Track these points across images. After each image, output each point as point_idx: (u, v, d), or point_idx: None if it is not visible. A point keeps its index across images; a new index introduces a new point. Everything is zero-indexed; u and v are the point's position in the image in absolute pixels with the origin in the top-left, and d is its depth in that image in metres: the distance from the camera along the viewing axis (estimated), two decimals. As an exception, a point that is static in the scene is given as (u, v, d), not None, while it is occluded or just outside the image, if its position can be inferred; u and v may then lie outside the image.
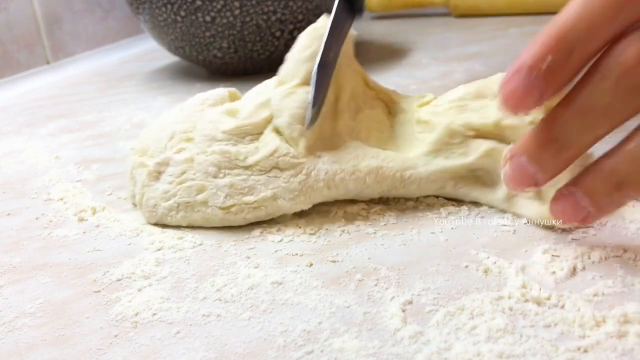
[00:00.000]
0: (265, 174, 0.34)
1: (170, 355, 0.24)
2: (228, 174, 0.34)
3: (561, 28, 0.24)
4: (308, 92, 0.34)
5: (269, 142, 0.34)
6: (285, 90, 0.35)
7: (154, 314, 0.27)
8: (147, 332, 0.26)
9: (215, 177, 0.34)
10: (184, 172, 0.35)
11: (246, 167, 0.34)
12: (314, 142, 0.34)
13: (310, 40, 0.35)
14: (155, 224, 0.35)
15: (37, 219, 0.38)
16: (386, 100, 0.39)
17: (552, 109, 0.26)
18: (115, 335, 0.26)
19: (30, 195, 0.42)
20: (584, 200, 0.26)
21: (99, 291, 0.29)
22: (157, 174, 0.35)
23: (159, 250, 0.33)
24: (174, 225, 0.35)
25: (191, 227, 0.35)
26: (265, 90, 0.37)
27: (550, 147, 0.26)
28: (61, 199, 0.40)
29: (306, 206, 0.34)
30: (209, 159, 0.34)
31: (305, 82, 0.35)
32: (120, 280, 0.30)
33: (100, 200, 0.40)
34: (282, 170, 0.34)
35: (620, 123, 0.25)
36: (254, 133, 0.35)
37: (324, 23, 0.36)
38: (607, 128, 0.25)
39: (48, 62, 0.84)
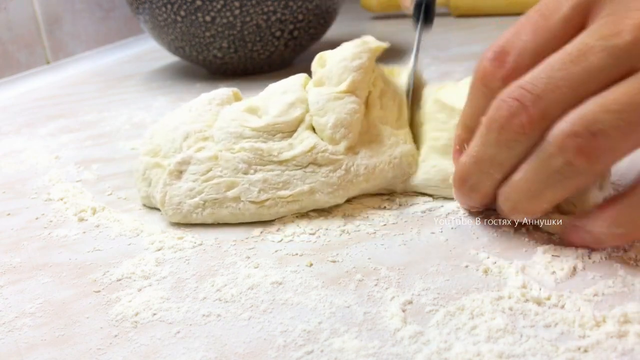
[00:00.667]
0: (301, 169, 0.34)
1: (170, 355, 0.24)
2: (260, 169, 0.34)
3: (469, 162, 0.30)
4: (354, 102, 0.35)
5: (305, 139, 0.35)
6: (332, 94, 0.36)
7: (154, 314, 0.27)
8: (147, 332, 0.26)
9: (245, 173, 0.34)
10: (209, 170, 0.35)
11: (280, 163, 0.35)
12: (355, 143, 0.35)
13: (359, 53, 0.37)
14: (156, 224, 0.35)
15: (37, 219, 0.38)
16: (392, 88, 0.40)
17: (458, 160, 0.31)
18: (115, 335, 0.26)
19: (30, 195, 0.42)
20: (586, 236, 0.28)
21: (99, 291, 0.29)
22: (178, 173, 0.35)
23: (159, 250, 0.33)
24: (199, 222, 0.35)
25: (192, 226, 0.35)
26: (291, 89, 0.38)
27: (463, 187, 0.31)
28: (61, 199, 0.40)
29: (342, 200, 0.35)
30: (238, 156, 0.35)
31: (351, 90, 0.36)
32: (120, 280, 0.30)
33: (100, 200, 0.40)
34: (320, 165, 0.34)
35: (508, 169, 0.29)
36: (285, 131, 0.36)
37: (371, 39, 0.38)
38: (499, 175, 0.29)
39: (48, 62, 0.84)
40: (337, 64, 0.37)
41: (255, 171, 0.34)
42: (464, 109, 0.32)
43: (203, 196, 0.35)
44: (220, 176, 0.35)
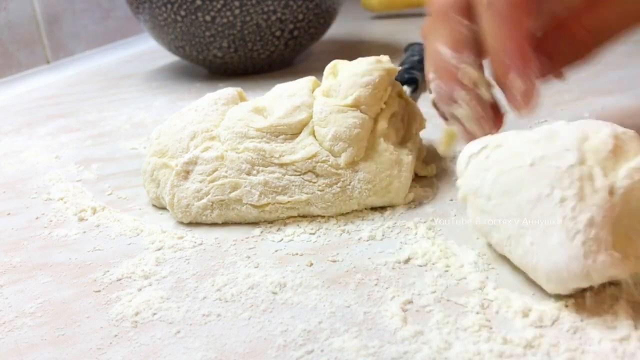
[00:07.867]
0: (300, 175, 0.34)
1: (170, 355, 0.24)
2: (262, 171, 0.35)
3: None
4: (357, 117, 0.35)
5: (308, 145, 0.35)
6: (335, 106, 0.36)
7: (154, 314, 0.27)
8: (147, 332, 0.26)
9: (248, 174, 0.35)
10: (215, 170, 0.35)
11: (281, 165, 0.35)
12: (358, 158, 0.35)
13: (371, 70, 0.37)
14: (156, 224, 0.35)
15: (37, 218, 0.38)
16: (408, 111, 0.40)
17: None
18: (116, 335, 0.26)
19: (30, 195, 0.42)
20: None
21: (99, 291, 0.29)
22: (185, 174, 0.35)
23: (159, 250, 0.33)
24: (209, 222, 0.35)
25: (192, 226, 0.35)
26: (299, 92, 0.38)
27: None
28: (61, 199, 0.40)
29: (334, 215, 0.35)
30: (242, 156, 0.35)
31: (356, 105, 0.36)
32: (120, 280, 0.30)
33: (100, 200, 0.40)
34: (317, 175, 0.34)
35: None
36: (288, 133, 0.36)
37: (386, 59, 0.38)
38: None
39: (48, 62, 0.84)
40: (347, 78, 0.37)
41: (258, 172, 0.34)
42: None
43: (210, 197, 0.35)
44: (225, 177, 0.35)
